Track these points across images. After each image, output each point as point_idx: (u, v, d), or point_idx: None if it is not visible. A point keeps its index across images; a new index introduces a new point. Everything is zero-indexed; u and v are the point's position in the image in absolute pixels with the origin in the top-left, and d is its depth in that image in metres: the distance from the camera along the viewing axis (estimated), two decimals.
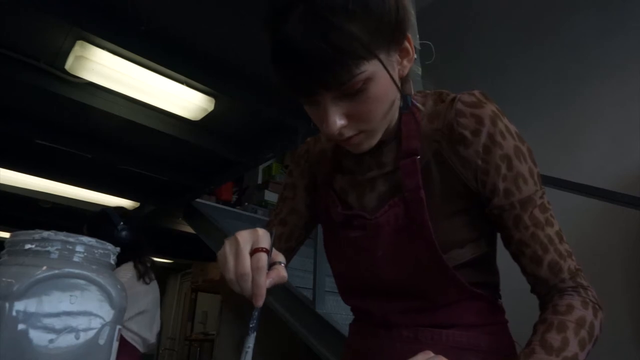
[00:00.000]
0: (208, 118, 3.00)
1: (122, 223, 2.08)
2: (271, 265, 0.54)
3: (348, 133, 0.61)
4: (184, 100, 2.86)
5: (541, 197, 0.65)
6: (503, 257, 0.74)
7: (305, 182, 0.84)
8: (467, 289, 0.66)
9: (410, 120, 0.69)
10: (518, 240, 0.65)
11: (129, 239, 2.07)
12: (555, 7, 2.78)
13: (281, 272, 0.53)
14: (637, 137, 2.22)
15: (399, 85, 0.62)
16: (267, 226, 0.86)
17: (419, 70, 2.26)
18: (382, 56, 0.56)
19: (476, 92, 0.66)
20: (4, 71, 2.57)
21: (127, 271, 2.03)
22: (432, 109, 0.69)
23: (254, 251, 0.52)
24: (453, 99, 0.67)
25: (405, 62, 0.62)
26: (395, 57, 0.60)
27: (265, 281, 0.51)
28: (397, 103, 0.64)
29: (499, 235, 0.71)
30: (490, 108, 0.64)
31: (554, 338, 0.58)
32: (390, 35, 0.56)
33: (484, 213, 0.67)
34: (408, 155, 0.67)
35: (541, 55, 2.78)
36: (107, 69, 2.62)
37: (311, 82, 0.55)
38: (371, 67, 0.55)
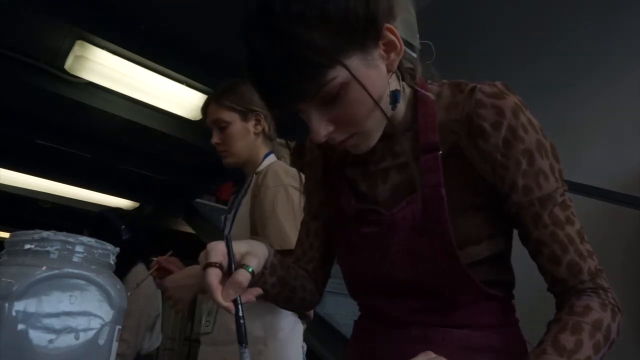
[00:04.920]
0: None
1: (124, 226, 2.07)
2: (236, 271, 0.55)
3: (339, 137, 0.60)
4: (184, 100, 2.87)
5: (562, 195, 0.62)
6: (514, 253, 0.71)
7: (319, 172, 0.82)
8: (482, 289, 0.63)
9: (427, 111, 0.66)
10: (536, 239, 0.62)
11: (134, 240, 2.06)
12: (555, 7, 2.78)
13: (236, 277, 0.54)
14: (637, 137, 2.22)
15: (380, 82, 0.58)
16: (302, 223, 0.85)
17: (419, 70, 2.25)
18: (357, 56, 0.54)
19: (498, 83, 0.64)
20: (4, 71, 2.57)
21: (144, 274, 2.01)
22: (450, 99, 0.66)
23: (203, 269, 0.54)
24: (472, 89, 0.64)
25: (392, 55, 0.59)
26: (378, 52, 0.57)
27: (219, 297, 0.52)
28: (387, 99, 0.61)
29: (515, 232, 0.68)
30: (512, 100, 0.62)
31: (567, 339, 0.55)
32: (361, 33, 0.54)
33: (502, 209, 0.64)
34: (429, 150, 0.64)
35: (543, 55, 2.78)
36: (106, 68, 2.62)
37: (283, 97, 0.55)
38: (344, 72, 0.53)
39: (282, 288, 0.71)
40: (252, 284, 0.60)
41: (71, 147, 3.43)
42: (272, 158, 1.34)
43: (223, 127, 1.30)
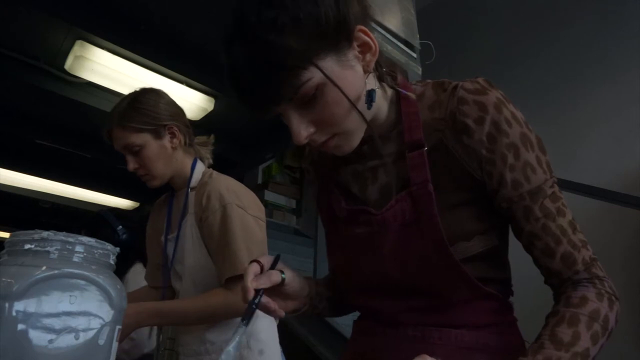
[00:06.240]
0: (208, 118, 3.01)
1: (120, 226, 2.06)
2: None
3: (320, 138, 0.60)
4: (184, 100, 2.87)
5: (552, 186, 0.62)
6: (512, 251, 0.71)
7: (317, 188, 0.83)
8: (477, 286, 0.63)
9: (410, 110, 0.67)
10: (529, 232, 0.62)
11: (131, 240, 2.06)
12: (556, 6, 2.78)
13: (271, 275, 0.62)
14: (638, 137, 2.22)
15: (356, 83, 0.59)
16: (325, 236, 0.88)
17: (419, 70, 2.26)
18: (331, 58, 0.56)
19: (479, 80, 0.64)
20: (4, 71, 2.57)
21: (142, 274, 2.01)
22: (433, 98, 0.67)
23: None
24: (455, 87, 0.64)
25: (368, 56, 0.60)
26: (353, 53, 0.59)
27: (250, 280, 0.59)
28: (363, 99, 0.62)
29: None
30: (494, 95, 0.62)
31: (564, 332, 0.56)
32: (333, 35, 0.55)
33: (492, 205, 0.64)
34: (414, 148, 0.65)
35: (542, 55, 2.78)
36: (106, 68, 2.62)
37: (260, 101, 0.56)
38: (319, 73, 0.55)
39: (329, 303, 0.79)
40: (305, 311, 0.72)
41: (71, 147, 3.44)
42: (200, 167, 1.27)
43: (136, 151, 1.17)
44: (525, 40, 2.88)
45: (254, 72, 0.54)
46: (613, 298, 0.60)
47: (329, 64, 0.56)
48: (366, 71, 0.61)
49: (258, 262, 0.63)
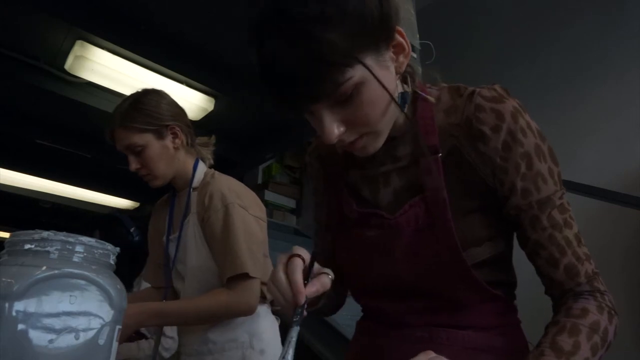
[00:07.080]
0: (208, 118, 3.01)
1: (134, 227, 2.05)
2: (316, 275, 0.60)
3: (349, 138, 0.59)
4: (184, 100, 2.87)
5: (560, 198, 0.63)
6: (517, 255, 0.71)
7: (322, 183, 0.82)
8: (485, 290, 0.64)
9: (426, 114, 0.67)
10: (534, 241, 0.63)
11: (144, 241, 2.05)
12: (556, 6, 2.78)
13: (324, 279, 0.58)
14: (638, 137, 2.22)
15: (391, 84, 0.59)
16: (314, 234, 0.87)
17: (419, 71, 2.26)
18: (371, 57, 0.54)
19: (497, 87, 0.64)
20: (4, 71, 2.57)
21: None
22: (449, 103, 0.67)
23: (288, 259, 0.58)
24: (472, 93, 0.64)
25: (401, 57, 0.60)
26: (389, 54, 0.58)
27: (301, 279, 0.55)
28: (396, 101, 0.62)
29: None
30: (511, 103, 0.62)
31: (565, 341, 0.56)
32: (376, 34, 0.54)
33: (501, 211, 0.65)
34: (429, 153, 0.65)
35: (542, 55, 2.78)
36: (106, 68, 2.62)
37: (298, 98, 0.54)
38: (360, 72, 0.53)
39: (329, 301, 0.75)
40: (309, 306, 0.66)
41: (71, 147, 3.44)
42: (202, 167, 1.28)
43: (138, 151, 1.19)
44: (525, 40, 2.88)
45: (295, 68, 0.51)
46: (612, 312, 0.61)
47: (369, 62, 0.54)
48: (398, 72, 0.61)
49: (299, 255, 0.59)
